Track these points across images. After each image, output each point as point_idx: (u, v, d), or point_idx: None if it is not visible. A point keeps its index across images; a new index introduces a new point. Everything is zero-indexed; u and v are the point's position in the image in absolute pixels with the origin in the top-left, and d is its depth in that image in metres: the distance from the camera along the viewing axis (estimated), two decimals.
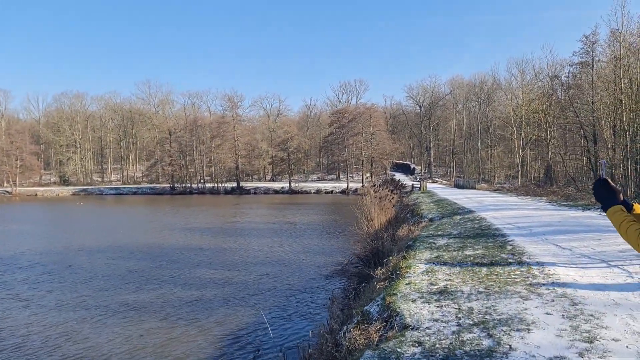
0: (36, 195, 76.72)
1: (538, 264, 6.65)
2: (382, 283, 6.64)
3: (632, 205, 1.89)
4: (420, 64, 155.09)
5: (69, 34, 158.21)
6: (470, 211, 15.12)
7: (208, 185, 74.76)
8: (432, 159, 77.88)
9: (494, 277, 5.96)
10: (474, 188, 37.35)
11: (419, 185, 37.00)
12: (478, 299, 4.91)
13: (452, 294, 5.17)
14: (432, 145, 77.50)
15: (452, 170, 73.38)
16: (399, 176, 79.50)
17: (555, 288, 5.23)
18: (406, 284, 5.79)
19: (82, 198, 70.92)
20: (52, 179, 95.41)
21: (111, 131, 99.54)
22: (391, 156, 70.67)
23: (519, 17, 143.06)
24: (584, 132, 28.25)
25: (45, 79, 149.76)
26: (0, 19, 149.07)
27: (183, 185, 75.93)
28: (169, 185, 76.14)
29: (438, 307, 4.73)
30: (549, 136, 35.30)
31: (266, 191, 69.91)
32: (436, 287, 5.59)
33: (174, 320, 9.79)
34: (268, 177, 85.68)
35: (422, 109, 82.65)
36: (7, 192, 77.84)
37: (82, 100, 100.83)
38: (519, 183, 47.03)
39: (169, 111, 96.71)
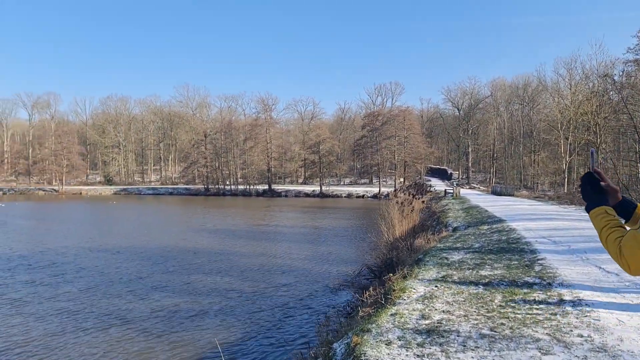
0: (81, 193, 79.84)
1: (572, 294, 5.13)
2: (367, 309, 5.34)
3: (636, 205, 1.63)
4: (458, 67, 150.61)
5: (111, 39, 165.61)
6: (501, 220, 13.49)
7: (241, 187, 75.14)
8: (470, 164, 74.56)
9: (509, 311, 4.54)
10: (512, 195, 34.83)
11: (452, 191, 34.89)
12: (477, 348, 3.55)
13: (444, 336, 3.84)
14: (470, 150, 74.19)
15: (491, 176, 69.90)
16: (434, 181, 76.70)
17: (593, 335, 3.76)
18: (390, 315, 4.49)
19: (122, 197, 73.25)
20: (97, 179, 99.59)
21: (152, 133, 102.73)
22: (426, 160, 68.18)
23: (565, 18, 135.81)
24: (639, 137, 25.36)
25: (90, 82, 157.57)
26: (48, 27, 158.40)
27: (217, 186, 76.74)
28: (203, 186, 77.19)
29: (418, 357, 3.42)
30: (598, 140, 32.22)
31: (297, 194, 69.27)
32: (427, 322, 4.26)
33: (139, 331, 8.92)
34: (300, 180, 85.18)
35: (461, 112, 79.47)
36: (55, 190, 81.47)
37: (126, 103, 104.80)
38: (565, 191, 43.73)
39: (205, 114, 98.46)
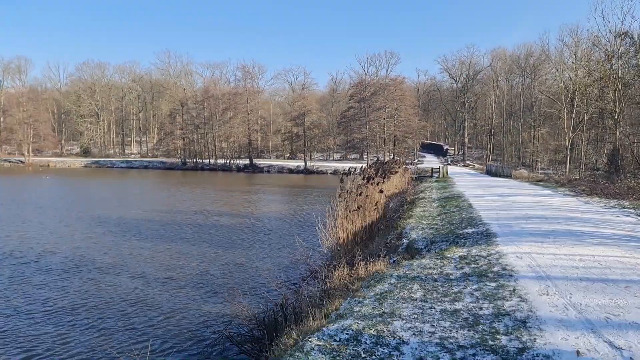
0: (48, 165, 74.86)
1: None
2: None
3: None
4: (459, 38, 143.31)
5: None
6: (489, 235, 8.25)
7: (220, 161, 70.13)
8: (466, 140, 69.53)
9: None
10: (510, 176, 30.04)
11: (439, 171, 30.18)
12: None
13: None
14: (466, 125, 68.98)
15: (488, 152, 65.02)
16: (429, 158, 71.95)
17: None
18: None
19: (90, 171, 68.47)
20: (75, 150, 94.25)
21: (131, 102, 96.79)
22: (418, 135, 63.05)
23: None
24: None
25: (64, 47, 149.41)
26: None
27: (194, 160, 71.71)
28: (180, 160, 72.16)
29: None
30: (617, 110, 26.96)
31: (280, 170, 64.44)
32: None
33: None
34: (287, 155, 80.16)
35: (458, 84, 73.74)
36: (21, 161, 76.47)
37: (103, 69, 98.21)
38: (567, 170, 39.06)
39: (188, 83, 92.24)
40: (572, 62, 43.90)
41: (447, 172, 30.44)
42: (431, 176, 31.63)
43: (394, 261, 7.25)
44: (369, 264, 6.76)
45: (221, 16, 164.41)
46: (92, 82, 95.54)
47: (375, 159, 65.74)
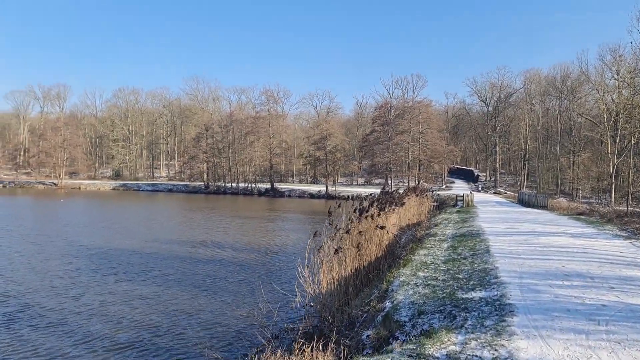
0: (79, 188, 76.30)
1: None
2: None
3: None
4: (488, 60, 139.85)
5: (122, 30, 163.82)
6: (503, 309, 5.68)
7: (242, 185, 69.25)
8: (497, 165, 65.66)
9: None
10: (545, 207, 26.81)
11: (462, 199, 27.39)
12: None
13: None
14: (497, 149, 65.28)
15: (522, 179, 60.98)
16: (458, 184, 68.41)
17: None
18: None
19: (120, 193, 69.18)
20: (108, 173, 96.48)
21: (160, 127, 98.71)
22: (446, 160, 59.90)
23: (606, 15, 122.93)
24: None
25: (101, 75, 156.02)
26: (56, 18, 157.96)
27: (217, 184, 71.20)
28: (203, 184, 71.86)
29: None
30: None
31: (301, 194, 62.69)
32: None
33: None
34: (310, 180, 78.58)
35: (489, 107, 70.44)
36: (54, 184, 78.37)
37: (137, 96, 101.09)
38: (612, 200, 35.16)
39: (216, 107, 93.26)
40: (615, 81, 40.52)
41: (472, 201, 27.57)
42: (454, 205, 28.82)
43: (382, 322, 4.95)
44: (315, 352, 4.58)
45: (250, 41, 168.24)
46: (126, 107, 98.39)
47: (404, 182, 63.15)
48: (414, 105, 59.68)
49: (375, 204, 12.45)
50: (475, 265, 8.70)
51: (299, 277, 9.28)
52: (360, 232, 10.58)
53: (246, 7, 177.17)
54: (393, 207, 13.56)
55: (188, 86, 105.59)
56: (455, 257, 9.87)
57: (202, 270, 14.73)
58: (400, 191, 24.23)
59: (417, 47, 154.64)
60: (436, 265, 8.91)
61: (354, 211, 11.08)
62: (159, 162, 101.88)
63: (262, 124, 66.72)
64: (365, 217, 10.91)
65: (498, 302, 6.00)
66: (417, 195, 22.91)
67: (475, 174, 74.43)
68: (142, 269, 14.59)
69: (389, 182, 59.89)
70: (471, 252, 10.28)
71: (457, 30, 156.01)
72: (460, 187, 56.03)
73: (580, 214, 22.33)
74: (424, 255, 10.23)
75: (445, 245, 11.75)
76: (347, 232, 9.91)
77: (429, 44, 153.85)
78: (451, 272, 8.20)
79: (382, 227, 11.12)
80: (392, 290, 7.11)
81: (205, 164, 71.52)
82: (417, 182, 55.56)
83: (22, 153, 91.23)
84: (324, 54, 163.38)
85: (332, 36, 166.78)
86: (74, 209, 39.10)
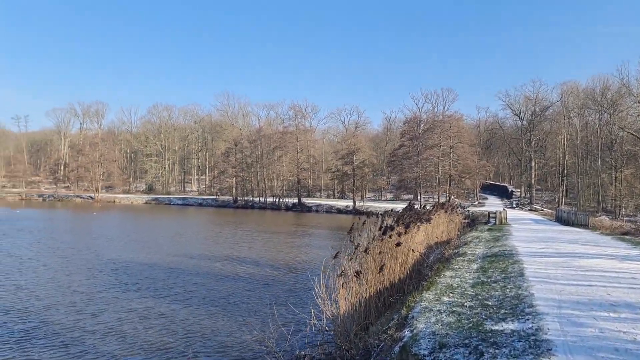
0: (114, 202, 78.67)
1: None
2: None
3: None
4: (521, 73, 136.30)
5: (155, 48, 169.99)
6: (539, 347, 4.88)
7: (270, 199, 69.51)
8: (533, 181, 63.08)
9: None
10: (586, 225, 25.17)
11: (495, 216, 26.14)
12: None
13: None
14: (533, 165, 62.81)
15: (560, 195, 58.27)
16: (491, 200, 66.15)
17: None
18: None
19: (152, 207, 70.82)
20: (142, 187, 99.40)
21: (192, 142, 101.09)
22: (478, 175, 58.05)
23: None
24: None
25: (136, 92, 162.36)
26: (94, 37, 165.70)
27: (245, 198, 71.78)
28: (232, 198, 72.63)
29: None
30: None
31: (329, 209, 62.21)
32: None
33: None
34: (337, 195, 78.09)
35: (524, 121, 68.17)
36: (91, 197, 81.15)
37: (170, 112, 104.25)
38: None
39: (243, 123, 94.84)
40: None
41: (505, 218, 26.27)
42: (487, 222, 27.57)
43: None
44: None
45: (279, 58, 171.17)
46: (159, 123, 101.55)
47: (434, 198, 61.58)
48: (444, 119, 58.47)
49: (400, 220, 11.82)
50: (507, 290, 7.94)
51: (317, 298, 8.80)
52: (381, 252, 9.99)
53: (276, 25, 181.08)
54: (418, 224, 12.84)
55: (219, 102, 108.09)
56: (485, 280, 9.10)
57: (223, 287, 14.42)
58: (428, 207, 23.38)
59: (447, 61, 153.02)
60: (463, 290, 8.18)
61: (379, 229, 10.51)
62: (190, 177, 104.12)
63: (289, 139, 67.05)
64: (390, 236, 10.30)
65: (533, 337, 5.28)
66: (446, 212, 21.98)
67: (509, 190, 71.82)
68: (164, 285, 14.43)
69: (418, 197, 58.54)
70: (503, 275, 9.47)
71: (488, 44, 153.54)
72: (493, 204, 54.06)
73: (625, 233, 20.77)
74: (450, 277, 9.50)
75: (474, 266, 10.95)
76: (366, 251, 9.34)
77: (459, 58, 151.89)
78: (479, 297, 7.47)
79: (397, 245, 10.45)
80: (413, 317, 6.49)
81: (234, 179, 72.36)
82: (447, 198, 54.05)
83: (62, 168, 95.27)
84: (353, 69, 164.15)
85: (361, 51, 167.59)
86: (105, 222, 40.04)
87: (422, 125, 58.48)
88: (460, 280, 9.11)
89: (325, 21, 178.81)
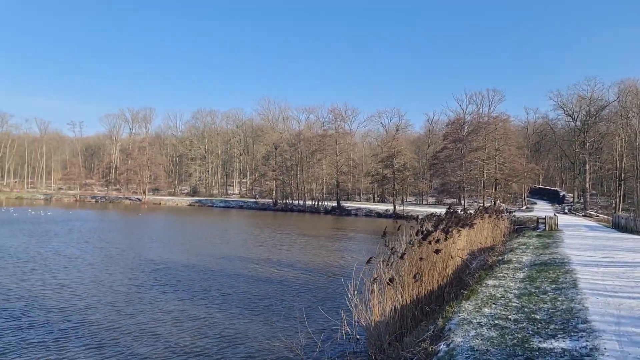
0: (160, 204, 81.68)
1: None
2: None
3: None
4: (574, 71, 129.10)
5: (197, 54, 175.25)
6: None
7: (309, 203, 69.66)
8: (587, 185, 59.32)
9: None
10: None
11: (545, 221, 24.58)
12: None
13: None
14: (587, 168, 59.08)
15: (618, 201, 54.40)
16: (541, 205, 62.99)
17: None
18: None
19: (195, 209, 72.93)
20: (185, 190, 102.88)
21: (234, 146, 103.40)
22: (526, 179, 55.32)
23: None
24: None
25: (182, 97, 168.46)
26: (142, 46, 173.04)
27: (285, 201, 72.33)
28: (271, 201, 73.44)
29: None
30: None
31: (368, 213, 61.44)
32: None
33: None
34: (378, 198, 77.10)
35: (577, 122, 64.36)
36: (139, 199, 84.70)
37: (213, 117, 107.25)
38: None
39: (283, 126, 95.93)
40: None
41: (556, 224, 24.64)
42: (535, 228, 26.01)
43: None
44: None
45: (320, 62, 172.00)
46: (203, 128, 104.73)
47: (478, 202, 59.32)
48: (489, 120, 56.25)
49: (439, 225, 11.21)
50: (558, 303, 7.21)
51: (349, 304, 8.45)
52: (421, 258, 9.46)
53: (316, 28, 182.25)
54: (459, 229, 12.14)
55: (260, 106, 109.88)
56: (532, 290, 8.36)
57: (258, 290, 14.32)
58: (471, 211, 22.35)
59: (493, 60, 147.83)
60: (507, 300, 7.53)
61: (416, 234, 10.00)
62: (232, 180, 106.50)
63: (329, 142, 66.96)
64: (430, 242, 9.74)
65: (588, 359, 4.65)
66: (491, 216, 20.89)
67: (561, 194, 68.05)
68: (202, 287, 14.51)
69: (462, 202, 56.59)
70: (553, 286, 8.67)
71: (537, 42, 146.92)
72: (542, 209, 51.32)
73: None
74: (493, 286, 8.81)
75: (520, 275, 10.16)
76: (402, 257, 8.86)
77: (507, 57, 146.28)
78: (526, 310, 6.81)
79: (437, 252, 9.86)
80: (450, 329, 5.97)
81: (274, 182, 73.16)
82: (493, 203, 51.89)
83: (113, 171, 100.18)
84: (395, 71, 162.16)
85: (402, 52, 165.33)
86: (149, 223, 41.46)
87: (466, 127, 56.53)
88: (504, 290, 8.42)
89: (367, 23, 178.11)
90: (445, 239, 10.56)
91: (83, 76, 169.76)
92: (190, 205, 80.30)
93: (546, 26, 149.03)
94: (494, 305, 7.15)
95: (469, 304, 7.23)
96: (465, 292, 8.57)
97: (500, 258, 13.15)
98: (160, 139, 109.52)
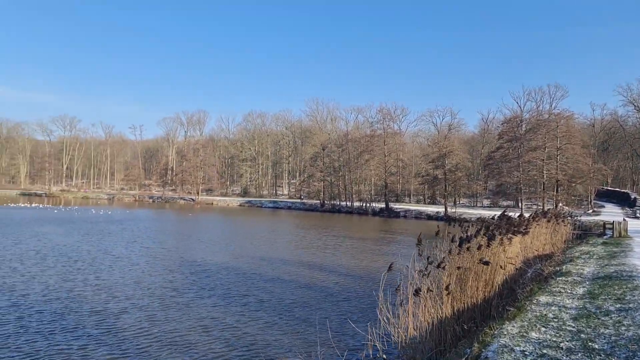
0: (212, 204, 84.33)
1: None
2: None
3: None
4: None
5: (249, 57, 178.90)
6: None
7: (357, 204, 68.82)
8: None
9: None
10: None
11: (612, 227, 22.22)
12: None
13: None
14: None
15: None
16: (609, 208, 58.06)
17: None
18: None
19: (245, 209, 74.59)
20: (237, 191, 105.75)
21: (283, 147, 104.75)
22: (592, 180, 51.02)
23: None
24: None
25: (234, 101, 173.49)
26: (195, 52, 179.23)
27: (332, 202, 71.98)
28: (319, 202, 73.40)
29: None
30: None
31: (418, 215, 59.58)
32: None
33: None
34: (428, 200, 74.73)
35: None
36: (192, 200, 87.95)
37: (263, 119, 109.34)
38: None
39: (332, 127, 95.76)
40: None
41: (625, 230, 22.17)
42: (602, 234, 23.61)
43: None
44: None
45: (368, 62, 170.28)
46: (254, 130, 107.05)
47: (537, 205, 55.60)
48: (550, 117, 52.53)
49: (486, 231, 10.16)
50: (623, 328, 6.07)
51: (381, 318, 7.79)
52: (458, 267, 8.55)
53: (364, 28, 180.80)
54: (510, 235, 10.98)
55: (308, 108, 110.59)
56: (593, 311, 7.18)
57: (295, 297, 13.88)
58: (527, 215, 20.63)
59: (554, 56, 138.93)
60: (560, 323, 6.47)
61: (453, 240, 9.08)
62: (282, 181, 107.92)
63: (377, 142, 65.75)
64: (478, 248, 8.78)
65: None
66: (549, 221, 19.13)
67: (632, 197, 62.19)
68: (239, 292, 14.33)
69: (519, 204, 53.27)
70: (618, 305, 7.43)
71: (604, 36, 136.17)
72: (610, 213, 47.07)
73: None
74: (546, 304, 7.71)
75: (579, 290, 8.90)
76: (439, 266, 8.02)
77: (569, 52, 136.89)
78: (582, 336, 5.76)
79: (485, 263, 8.86)
80: (487, 358, 5.11)
81: (321, 183, 73.05)
82: (554, 206, 48.35)
83: (169, 172, 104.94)
84: (447, 69, 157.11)
85: (455, 50, 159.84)
86: (198, 224, 42.58)
87: (523, 125, 53.15)
88: (558, 309, 7.31)
89: (416, 23, 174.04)
90: (489, 246, 9.53)
91: (145, 82, 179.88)
92: (240, 205, 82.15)
93: (612, 18, 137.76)
94: (543, 329, 6.15)
95: (513, 326, 6.28)
96: (511, 310, 7.55)
97: (558, 269, 11.77)
98: (213, 141, 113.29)
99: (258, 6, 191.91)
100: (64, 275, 15.56)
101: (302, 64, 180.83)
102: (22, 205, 62.32)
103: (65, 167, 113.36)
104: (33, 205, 62.11)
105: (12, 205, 61.84)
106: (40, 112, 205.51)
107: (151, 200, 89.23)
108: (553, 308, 7.45)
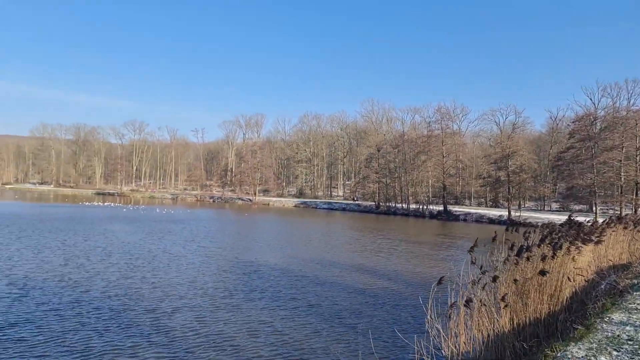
0: (269, 204, 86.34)
1: None
2: None
3: None
4: None
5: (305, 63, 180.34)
6: None
7: (413, 206, 67.17)
8: None
9: None
10: None
11: None
12: None
13: None
14: None
15: None
16: None
17: None
18: None
19: (300, 210, 75.53)
20: (292, 192, 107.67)
21: (338, 148, 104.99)
22: None
23: None
24: None
25: (290, 103, 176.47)
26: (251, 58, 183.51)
27: (387, 204, 70.85)
28: (374, 203, 72.56)
29: None
30: None
31: (478, 219, 56.90)
32: None
33: None
34: (489, 203, 71.27)
35: None
36: (250, 200, 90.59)
37: (318, 120, 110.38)
38: None
39: (387, 128, 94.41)
40: None
41: None
42: None
43: None
44: None
45: (425, 62, 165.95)
46: (309, 131, 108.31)
47: (615, 209, 50.93)
48: (629, 115, 48.02)
49: (548, 239, 9.28)
50: None
51: (430, 329, 7.32)
52: (515, 280, 7.84)
53: (421, 29, 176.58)
54: (579, 244, 9.96)
55: (364, 108, 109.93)
56: None
57: (348, 304, 13.54)
58: (600, 220, 18.81)
59: (556, 55, 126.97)
60: (637, 346, 5.64)
61: (511, 248, 8.34)
62: (337, 182, 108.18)
63: (434, 143, 63.74)
64: (528, 258, 8.04)
65: None
66: (626, 227, 17.30)
67: None
68: (289, 295, 14.26)
69: (594, 208, 49.12)
70: None
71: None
72: None
73: None
74: (619, 322, 6.79)
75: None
76: (494, 280, 7.38)
77: (570, 52, 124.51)
78: None
79: (542, 274, 8.03)
80: None
81: (376, 184, 72.17)
82: (633, 210, 44.08)
83: (229, 173, 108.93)
84: (510, 66, 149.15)
85: (520, 48, 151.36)
86: (254, 224, 43.55)
87: (597, 124, 48.97)
88: (635, 330, 6.41)
89: (475, 21, 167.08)
90: (554, 257, 8.67)
91: (207, 87, 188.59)
92: (295, 206, 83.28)
93: None
94: (615, 353, 5.38)
95: (580, 348, 5.55)
96: (577, 329, 6.77)
97: (636, 282, 10.50)
98: (270, 143, 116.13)
99: (313, 13, 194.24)
100: (125, 273, 16.41)
101: (358, 66, 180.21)
102: (96, 203, 67.58)
103: (134, 168, 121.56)
104: (105, 204, 67.15)
105: (87, 203, 67.28)
106: (113, 117, 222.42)
107: (212, 200, 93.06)
108: (628, 328, 6.55)
